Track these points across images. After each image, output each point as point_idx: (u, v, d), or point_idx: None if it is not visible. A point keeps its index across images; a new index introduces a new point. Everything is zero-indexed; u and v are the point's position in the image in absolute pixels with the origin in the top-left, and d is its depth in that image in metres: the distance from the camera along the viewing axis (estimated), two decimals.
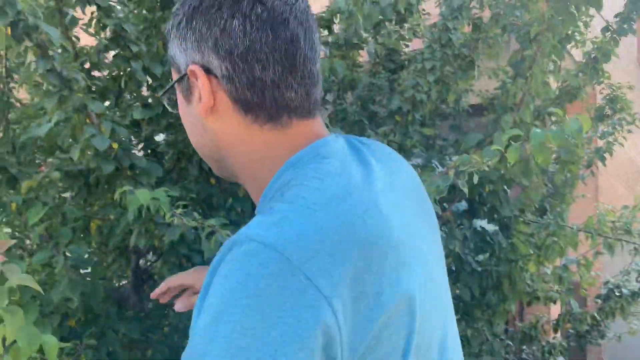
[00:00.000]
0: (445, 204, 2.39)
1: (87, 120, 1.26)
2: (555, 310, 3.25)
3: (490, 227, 2.50)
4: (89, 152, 1.39)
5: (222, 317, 0.55)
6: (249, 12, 0.72)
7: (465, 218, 2.41)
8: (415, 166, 2.12)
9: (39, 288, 0.95)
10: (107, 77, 1.63)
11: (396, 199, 0.71)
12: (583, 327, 2.53)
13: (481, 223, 2.56)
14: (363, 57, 2.68)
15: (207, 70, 0.74)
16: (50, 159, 1.74)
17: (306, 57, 0.74)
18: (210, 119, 0.75)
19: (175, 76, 0.76)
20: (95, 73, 1.70)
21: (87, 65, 1.61)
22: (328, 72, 1.78)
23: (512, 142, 1.14)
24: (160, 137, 1.86)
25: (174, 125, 1.63)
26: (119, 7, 1.45)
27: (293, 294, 0.55)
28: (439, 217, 2.27)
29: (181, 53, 0.77)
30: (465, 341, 2.44)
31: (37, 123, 1.69)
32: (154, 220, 1.29)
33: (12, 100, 2.18)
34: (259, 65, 0.72)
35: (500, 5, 2.30)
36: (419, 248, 0.69)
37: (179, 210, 1.17)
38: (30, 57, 1.17)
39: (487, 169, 1.33)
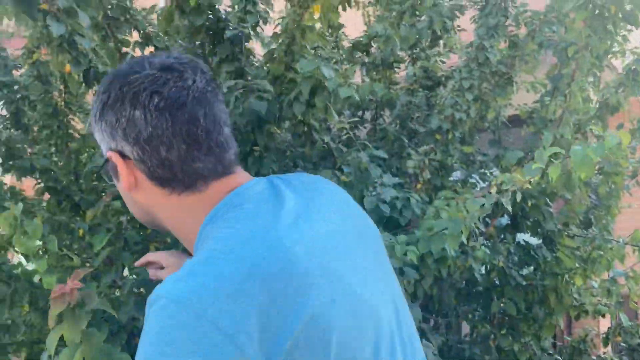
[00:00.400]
0: (487, 219, 2.41)
1: None
2: (604, 323, 3.19)
3: (534, 241, 2.50)
4: None
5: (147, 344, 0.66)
6: (148, 103, 0.83)
7: (508, 232, 2.42)
8: (456, 181, 2.15)
9: (114, 312, 1.05)
10: None
11: (309, 225, 0.78)
12: (635, 340, 2.48)
13: (524, 237, 2.56)
14: (400, 75, 2.73)
15: (122, 155, 0.86)
16: (111, 188, 1.86)
17: (208, 131, 0.85)
18: (134, 194, 0.88)
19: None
20: None
21: None
22: (367, 93, 1.84)
23: (553, 160, 1.17)
24: None
25: None
26: (173, 46, 1.55)
27: (200, 339, 0.64)
28: (481, 233, 2.30)
29: (101, 141, 0.90)
30: (512, 356, 2.43)
31: (99, 152, 1.82)
32: None
33: (71, 131, 2.34)
34: (164, 147, 0.83)
35: (535, 22, 2.33)
36: (334, 268, 0.76)
37: None
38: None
39: (529, 186, 1.36)
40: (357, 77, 2.94)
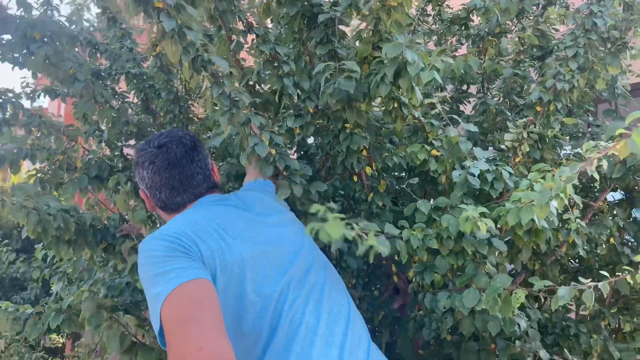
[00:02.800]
0: (597, 194, 2.30)
1: (251, 132, 1.51)
2: None
3: None
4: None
5: (141, 271, 1.25)
6: (148, 168, 1.51)
7: (622, 208, 2.29)
8: (566, 155, 2.08)
9: None
10: (269, 91, 1.90)
11: (227, 216, 1.44)
12: None
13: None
14: (511, 47, 2.65)
15: (144, 191, 1.56)
16: (222, 164, 2.07)
17: (181, 182, 1.51)
18: (153, 210, 1.59)
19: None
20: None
21: (251, 83, 1.90)
22: (461, 68, 1.84)
23: None
24: (310, 141, 2.09)
25: (321, 131, 1.83)
26: (272, 32, 1.69)
27: (168, 244, 1.26)
28: (590, 206, 2.20)
29: (138, 183, 1.59)
30: (621, 335, 2.33)
31: (214, 133, 2.02)
32: None
33: (191, 115, 2.60)
34: (157, 191, 1.51)
35: None
36: (242, 234, 1.39)
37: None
38: (207, 83, 1.45)
39: (630, 156, 1.32)
40: (464, 50, 2.91)
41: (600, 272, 2.28)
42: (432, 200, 1.81)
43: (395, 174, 2.04)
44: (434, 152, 1.70)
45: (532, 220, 1.45)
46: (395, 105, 1.68)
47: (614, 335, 2.32)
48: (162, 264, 1.20)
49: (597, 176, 1.27)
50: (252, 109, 1.57)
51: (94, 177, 1.89)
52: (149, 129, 2.08)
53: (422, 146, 1.67)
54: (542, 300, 2.15)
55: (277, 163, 1.53)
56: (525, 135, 1.95)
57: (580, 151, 2.08)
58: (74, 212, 1.60)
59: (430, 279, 1.56)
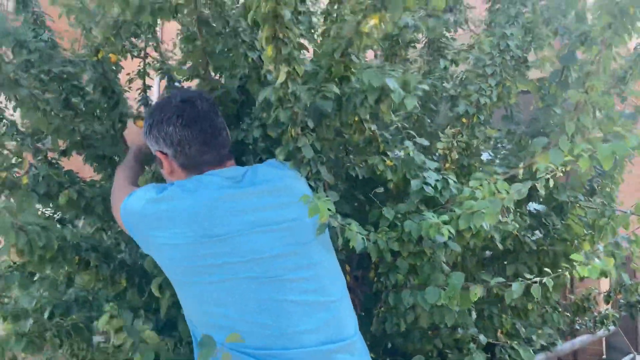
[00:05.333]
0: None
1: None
2: (604, 283, 3.48)
3: (541, 208, 2.69)
4: None
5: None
6: (176, 122, 1.53)
7: (522, 202, 2.65)
8: (486, 162, 2.37)
9: None
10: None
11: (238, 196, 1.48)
12: (634, 297, 2.76)
13: (535, 205, 2.77)
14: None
15: (163, 153, 1.58)
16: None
17: (212, 136, 1.55)
18: (171, 176, 1.60)
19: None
20: None
21: None
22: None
23: (583, 153, 1.39)
24: None
25: None
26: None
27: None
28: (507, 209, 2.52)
29: (151, 147, 1.63)
30: (524, 315, 2.71)
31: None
32: None
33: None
34: (187, 146, 1.53)
35: (550, 10, 2.51)
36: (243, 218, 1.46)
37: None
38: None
39: (561, 174, 1.59)
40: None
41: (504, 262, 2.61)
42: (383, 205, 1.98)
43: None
44: (389, 162, 1.88)
45: (481, 225, 1.68)
46: (356, 119, 1.83)
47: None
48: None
49: (543, 192, 1.52)
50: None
51: (43, 195, 1.79)
52: (97, 138, 2.01)
53: (381, 158, 1.83)
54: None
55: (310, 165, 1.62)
56: (454, 143, 2.21)
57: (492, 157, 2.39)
58: (53, 228, 1.53)
59: (395, 279, 1.74)
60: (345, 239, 1.57)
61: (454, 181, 1.88)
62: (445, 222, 1.63)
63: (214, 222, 1.39)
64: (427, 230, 1.62)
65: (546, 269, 1.69)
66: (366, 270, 1.91)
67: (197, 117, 1.52)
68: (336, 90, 1.57)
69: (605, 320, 2.82)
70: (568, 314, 2.78)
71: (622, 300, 2.91)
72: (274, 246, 1.43)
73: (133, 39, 2.27)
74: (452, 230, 1.61)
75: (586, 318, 2.93)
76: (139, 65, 2.45)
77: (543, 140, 2.00)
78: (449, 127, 2.23)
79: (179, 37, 2.38)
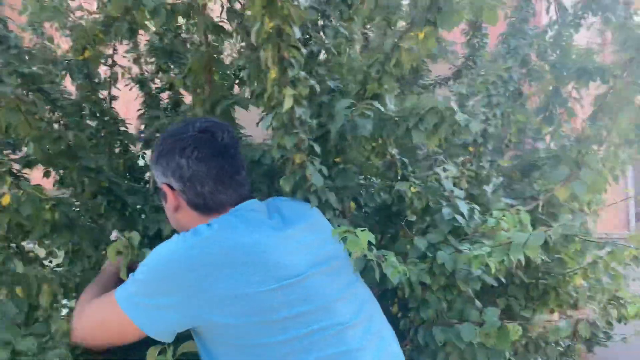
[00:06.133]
0: None
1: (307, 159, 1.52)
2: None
3: None
4: None
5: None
6: (190, 154, 1.28)
7: None
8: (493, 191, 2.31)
9: None
10: None
11: (276, 232, 1.26)
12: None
13: None
14: None
15: (170, 187, 1.33)
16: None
17: (230, 175, 1.30)
18: (176, 214, 1.35)
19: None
20: None
21: None
22: None
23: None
24: None
25: None
26: None
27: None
28: None
29: (157, 177, 1.35)
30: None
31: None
32: None
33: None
34: (199, 184, 1.28)
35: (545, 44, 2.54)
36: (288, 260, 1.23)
37: None
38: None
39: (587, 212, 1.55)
40: None
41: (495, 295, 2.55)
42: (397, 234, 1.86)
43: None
44: (413, 189, 1.77)
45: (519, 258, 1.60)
46: (380, 142, 1.71)
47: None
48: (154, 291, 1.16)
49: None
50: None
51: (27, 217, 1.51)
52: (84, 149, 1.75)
53: (410, 184, 1.72)
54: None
55: (318, 194, 1.44)
56: (464, 172, 2.14)
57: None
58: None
59: (427, 315, 1.61)
60: (381, 273, 1.42)
61: (479, 211, 1.79)
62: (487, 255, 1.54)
63: (281, 263, 1.19)
64: (469, 262, 1.52)
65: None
66: (386, 304, 1.77)
67: (215, 151, 1.29)
68: (381, 107, 1.45)
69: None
70: None
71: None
72: (338, 289, 1.26)
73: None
74: (493, 264, 1.51)
75: None
76: (105, 73, 2.20)
77: (563, 173, 1.97)
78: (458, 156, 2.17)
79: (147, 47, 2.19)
